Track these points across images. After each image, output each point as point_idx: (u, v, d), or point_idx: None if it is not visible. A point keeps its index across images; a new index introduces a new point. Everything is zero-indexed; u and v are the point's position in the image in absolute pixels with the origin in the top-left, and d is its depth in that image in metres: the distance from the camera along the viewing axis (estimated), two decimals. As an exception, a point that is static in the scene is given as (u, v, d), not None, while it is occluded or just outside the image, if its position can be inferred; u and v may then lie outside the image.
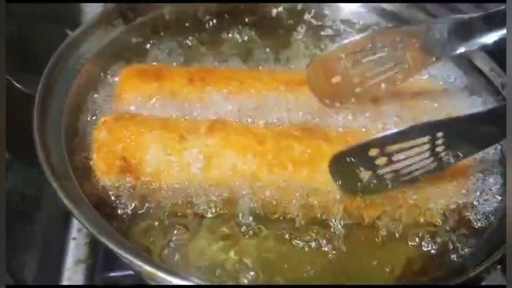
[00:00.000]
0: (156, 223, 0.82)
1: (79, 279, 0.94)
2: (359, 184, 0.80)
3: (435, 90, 1.02)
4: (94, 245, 0.99)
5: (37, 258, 1.01)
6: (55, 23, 1.08)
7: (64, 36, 0.99)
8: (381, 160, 0.78)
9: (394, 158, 0.78)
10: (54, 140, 0.82)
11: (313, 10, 1.18)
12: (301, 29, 1.17)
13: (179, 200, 0.82)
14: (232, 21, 1.15)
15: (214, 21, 1.14)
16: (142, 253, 0.74)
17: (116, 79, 0.97)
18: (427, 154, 0.78)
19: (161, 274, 0.65)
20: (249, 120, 0.91)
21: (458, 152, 0.78)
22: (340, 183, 0.81)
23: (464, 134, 0.77)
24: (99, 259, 0.97)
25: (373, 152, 0.78)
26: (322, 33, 1.17)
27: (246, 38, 1.14)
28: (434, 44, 0.87)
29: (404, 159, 0.78)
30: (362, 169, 0.79)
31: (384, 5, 1.16)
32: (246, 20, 1.16)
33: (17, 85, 0.89)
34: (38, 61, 0.96)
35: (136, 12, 1.07)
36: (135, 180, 0.82)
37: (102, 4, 1.47)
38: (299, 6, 1.18)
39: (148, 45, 1.08)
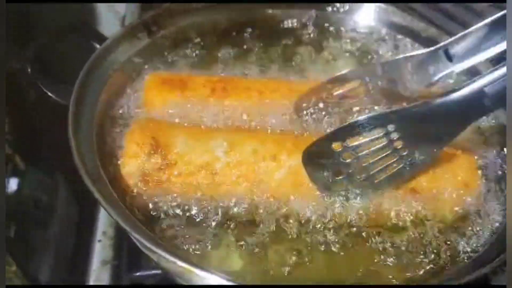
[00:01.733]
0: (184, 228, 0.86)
1: (105, 280, 0.98)
2: (330, 180, 0.85)
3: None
4: (118, 247, 1.04)
5: (51, 261, 1.05)
6: (81, 37, 1.12)
7: (92, 49, 1.04)
8: (346, 155, 0.82)
9: (358, 151, 0.81)
10: (87, 147, 0.87)
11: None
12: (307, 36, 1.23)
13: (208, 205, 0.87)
14: (246, 34, 1.21)
15: (234, 33, 1.20)
16: (174, 250, 0.78)
17: (142, 87, 1.03)
18: (389, 151, 0.81)
19: (196, 271, 0.69)
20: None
21: (416, 150, 0.81)
22: (314, 178, 0.85)
23: (416, 126, 0.80)
24: (124, 260, 1.02)
25: (337, 147, 0.81)
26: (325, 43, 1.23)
27: (258, 50, 1.19)
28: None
29: (366, 155, 0.82)
30: (329, 163, 0.83)
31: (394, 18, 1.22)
32: (259, 33, 1.22)
33: (52, 95, 0.94)
34: (66, 72, 1.01)
35: (159, 25, 1.12)
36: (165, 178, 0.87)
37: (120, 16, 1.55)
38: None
39: (171, 57, 1.13)
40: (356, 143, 0.81)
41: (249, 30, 1.21)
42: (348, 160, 0.83)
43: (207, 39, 1.18)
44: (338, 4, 1.23)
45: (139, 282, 0.98)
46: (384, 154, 0.82)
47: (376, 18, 1.22)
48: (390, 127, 0.80)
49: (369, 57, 1.20)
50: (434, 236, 0.87)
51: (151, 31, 1.11)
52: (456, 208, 0.90)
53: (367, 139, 0.80)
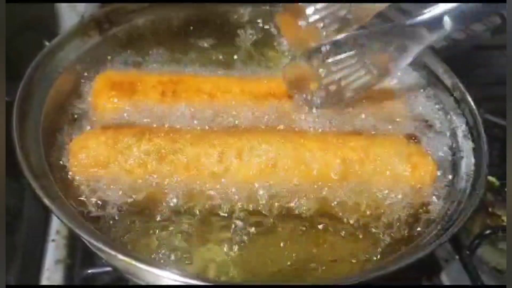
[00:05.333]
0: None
1: (58, 278, 0.98)
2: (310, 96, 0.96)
3: (395, 91, 1.10)
4: (72, 245, 1.04)
5: (18, 263, 1.04)
6: (33, 33, 1.11)
7: (42, 46, 1.03)
8: (322, 70, 0.95)
9: (333, 68, 0.94)
10: (33, 144, 0.86)
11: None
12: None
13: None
14: (202, 29, 1.22)
15: (187, 31, 1.20)
16: (117, 245, 0.78)
17: (92, 86, 1.02)
18: (358, 66, 0.94)
19: (137, 264, 0.69)
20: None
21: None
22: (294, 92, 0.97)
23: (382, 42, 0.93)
24: (78, 258, 1.02)
25: (315, 63, 0.93)
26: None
27: (212, 47, 1.20)
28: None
29: (341, 69, 0.94)
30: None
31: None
32: (214, 27, 1.23)
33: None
34: (17, 69, 1.00)
35: (111, 22, 1.12)
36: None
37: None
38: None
39: (123, 54, 1.13)
40: (331, 60, 0.94)
41: (203, 27, 1.22)
42: (323, 74, 0.95)
43: (160, 37, 1.18)
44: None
45: (91, 280, 0.97)
46: (354, 70, 0.95)
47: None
48: (361, 45, 0.94)
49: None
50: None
51: (102, 29, 1.10)
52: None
53: (341, 56, 0.94)
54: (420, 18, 0.91)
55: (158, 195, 0.87)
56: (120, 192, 0.85)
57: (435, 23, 0.90)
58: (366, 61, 0.95)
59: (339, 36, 0.95)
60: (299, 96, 1.00)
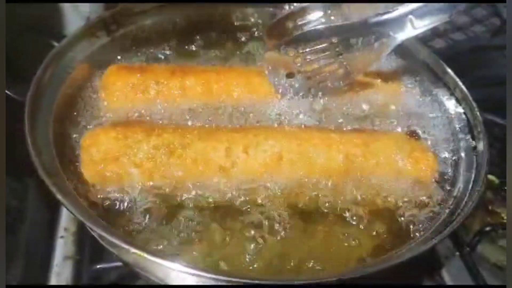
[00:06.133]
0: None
1: (67, 274, 1.00)
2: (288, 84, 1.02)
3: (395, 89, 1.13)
4: (81, 242, 1.06)
5: (21, 263, 1.06)
6: (38, 35, 1.13)
7: (48, 47, 1.04)
8: (298, 60, 1.00)
9: (308, 57, 1.00)
10: (44, 142, 0.88)
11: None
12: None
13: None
14: (205, 31, 1.24)
15: (193, 32, 1.22)
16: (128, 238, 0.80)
17: (101, 85, 1.04)
18: (332, 60, 1.01)
19: (148, 257, 0.70)
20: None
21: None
22: (272, 80, 1.02)
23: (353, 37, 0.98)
24: (86, 254, 1.04)
25: (290, 53, 0.99)
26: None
27: (218, 48, 1.22)
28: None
29: (315, 59, 1.00)
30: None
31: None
32: (219, 31, 1.25)
33: (8, 92, 0.94)
34: (24, 70, 1.02)
35: (118, 24, 1.14)
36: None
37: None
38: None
39: (130, 55, 1.15)
40: (307, 49, 0.99)
41: (209, 29, 1.24)
42: (299, 64, 1.00)
43: (166, 38, 1.19)
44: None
45: (100, 274, 0.99)
46: (328, 61, 1.01)
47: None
48: (334, 39, 0.99)
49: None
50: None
51: (110, 30, 1.12)
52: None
53: (316, 47, 0.99)
54: (386, 16, 0.95)
55: (170, 190, 0.89)
56: (132, 188, 0.87)
57: (400, 22, 0.94)
58: (339, 55, 1.01)
59: (311, 27, 1.01)
60: (278, 83, 1.04)
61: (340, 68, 1.03)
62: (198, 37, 1.22)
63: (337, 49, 1.00)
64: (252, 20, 1.27)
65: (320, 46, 1.00)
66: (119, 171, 0.88)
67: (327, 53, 1.01)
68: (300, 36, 1.00)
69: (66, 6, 1.64)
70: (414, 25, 0.94)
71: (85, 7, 1.64)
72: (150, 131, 0.91)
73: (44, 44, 1.10)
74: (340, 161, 0.93)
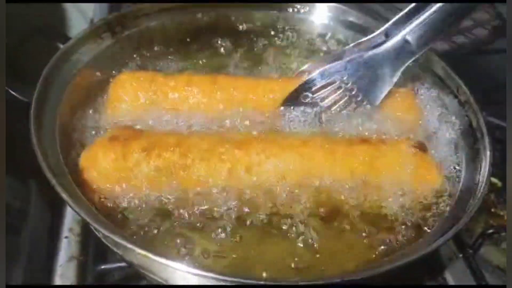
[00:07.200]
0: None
1: (72, 274, 1.00)
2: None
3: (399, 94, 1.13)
4: (85, 243, 1.06)
5: (23, 264, 1.06)
6: (43, 37, 1.14)
7: (53, 49, 1.05)
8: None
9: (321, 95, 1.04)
10: (50, 143, 0.88)
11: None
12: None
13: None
14: (213, 33, 1.25)
15: (198, 35, 1.23)
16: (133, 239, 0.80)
17: (107, 86, 1.05)
18: (342, 94, 1.04)
19: (153, 257, 0.71)
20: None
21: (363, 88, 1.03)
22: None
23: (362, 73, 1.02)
24: (90, 254, 1.04)
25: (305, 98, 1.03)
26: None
27: (222, 51, 1.24)
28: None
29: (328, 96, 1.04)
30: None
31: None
32: (223, 34, 1.26)
33: (14, 93, 0.95)
34: (29, 72, 1.03)
35: (123, 26, 1.14)
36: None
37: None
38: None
39: (135, 56, 1.16)
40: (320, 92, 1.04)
41: (214, 32, 1.24)
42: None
43: (171, 40, 1.20)
44: (298, 5, 1.28)
45: (104, 275, 0.99)
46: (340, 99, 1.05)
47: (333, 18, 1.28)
48: (343, 76, 1.04)
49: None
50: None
51: (115, 32, 1.13)
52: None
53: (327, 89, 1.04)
54: (385, 46, 0.99)
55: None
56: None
57: (400, 47, 0.98)
58: (351, 90, 1.04)
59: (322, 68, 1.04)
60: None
61: (351, 101, 1.05)
62: (203, 40, 1.23)
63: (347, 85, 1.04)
64: (258, 24, 1.28)
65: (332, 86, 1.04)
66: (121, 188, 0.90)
67: (339, 92, 1.05)
68: (309, 81, 1.05)
69: (71, 9, 1.67)
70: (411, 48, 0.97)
71: (89, 10, 1.66)
72: (150, 150, 0.90)
73: (49, 46, 1.11)
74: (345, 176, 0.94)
